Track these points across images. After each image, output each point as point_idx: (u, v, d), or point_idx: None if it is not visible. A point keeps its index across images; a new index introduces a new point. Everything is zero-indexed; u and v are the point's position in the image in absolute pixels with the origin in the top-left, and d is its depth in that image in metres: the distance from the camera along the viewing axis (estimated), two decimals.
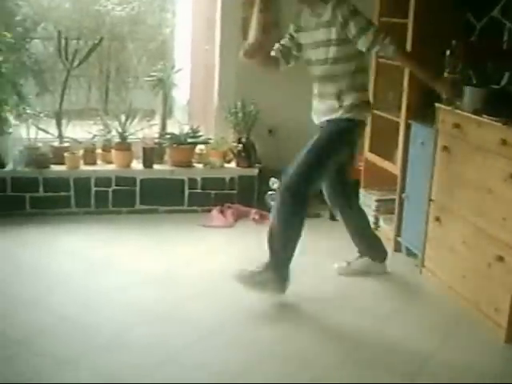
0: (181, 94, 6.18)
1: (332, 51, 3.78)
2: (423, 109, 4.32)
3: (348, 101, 3.82)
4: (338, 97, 3.82)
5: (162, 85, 5.34)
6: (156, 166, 5.21)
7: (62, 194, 5.01)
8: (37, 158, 5.01)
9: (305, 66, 3.96)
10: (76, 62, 5.22)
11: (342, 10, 3.70)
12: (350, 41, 3.72)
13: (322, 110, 3.90)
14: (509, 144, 3.48)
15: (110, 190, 5.09)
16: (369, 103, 4.01)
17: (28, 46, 5.56)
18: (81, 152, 5.15)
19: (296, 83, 4.70)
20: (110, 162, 5.19)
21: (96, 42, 5.37)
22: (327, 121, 3.88)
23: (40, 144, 5.10)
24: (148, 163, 5.16)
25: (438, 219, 4.10)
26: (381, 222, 4.81)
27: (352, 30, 3.68)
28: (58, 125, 5.18)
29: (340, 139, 3.86)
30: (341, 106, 3.82)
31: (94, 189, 5.07)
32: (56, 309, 3.64)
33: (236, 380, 3.06)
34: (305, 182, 3.72)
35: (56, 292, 3.85)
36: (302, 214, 3.75)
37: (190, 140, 5.23)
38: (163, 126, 5.37)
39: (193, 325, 3.54)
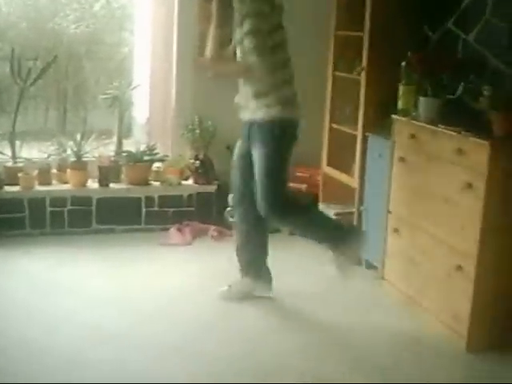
0: (140, 113, 6.13)
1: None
2: (380, 121, 4.31)
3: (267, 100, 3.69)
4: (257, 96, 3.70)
5: (118, 102, 5.26)
6: (112, 185, 5.11)
7: (17, 215, 4.88)
8: None
9: None
10: (30, 81, 5.12)
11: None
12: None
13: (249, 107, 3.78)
14: (464, 153, 3.48)
15: (66, 210, 4.97)
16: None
17: None
18: (35, 172, 5.04)
19: None
20: (65, 182, 5.07)
21: (50, 60, 5.29)
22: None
23: None
24: (104, 182, 5.07)
25: (396, 231, 4.07)
26: None
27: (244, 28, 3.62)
28: (12, 145, 5.08)
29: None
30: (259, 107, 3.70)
31: (49, 209, 4.95)
32: (13, 330, 3.55)
33: None
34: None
35: (13, 314, 3.75)
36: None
37: (146, 158, 5.15)
38: (119, 144, 5.28)
39: (153, 342, 3.47)
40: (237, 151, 3.94)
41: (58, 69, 6.20)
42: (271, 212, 3.74)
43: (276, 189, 3.72)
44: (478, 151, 3.38)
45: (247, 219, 3.92)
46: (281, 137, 3.69)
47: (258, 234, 3.97)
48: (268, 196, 3.69)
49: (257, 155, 3.73)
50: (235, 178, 3.96)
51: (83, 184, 5.06)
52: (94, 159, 5.15)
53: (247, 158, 3.81)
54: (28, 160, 5.09)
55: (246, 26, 3.60)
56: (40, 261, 4.50)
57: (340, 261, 3.82)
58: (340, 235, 3.83)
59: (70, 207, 4.98)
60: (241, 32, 3.65)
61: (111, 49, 6.78)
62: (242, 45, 3.67)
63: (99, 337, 3.51)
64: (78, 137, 5.10)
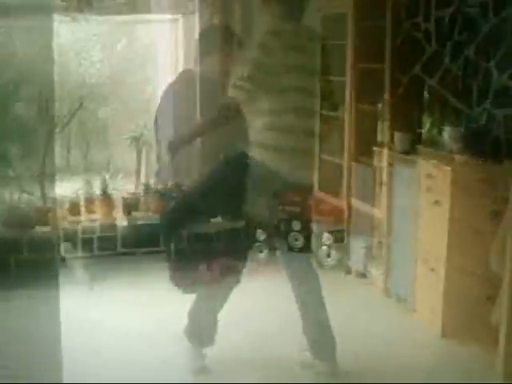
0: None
1: None
2: (407, 151, 4.33)
3: None
4: None
5: (141, 141, 5.41)
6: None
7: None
8: (20, 219, 4.96)
9: None
10: (58, 126, 5.27)
11: None
12: None
13: None
14: (489, 182, 3.50)
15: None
16: None
17: (11, 109, 5.57)
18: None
19: None
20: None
21: (77, 106, 5.46)
22: None
23: (23, 205, 5.06)
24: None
25: (426, 262, 4.07)
26: (369, 269, 4.76)
27: None
28: (41, 185, 5.17)
29: None
30: None
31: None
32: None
33: None
34: None
35: (52, 357, 3.66)
36: None
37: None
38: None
39: None
40: None
41: (83, 109, 6.31)
42: None
43: None
44: None
45: None
46: None
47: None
48: None
49: None
50: None
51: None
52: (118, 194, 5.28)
53: None
54: (57, 199, 5.18)
55: None
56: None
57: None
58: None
59: None
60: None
61: (135, 88, 6.90)
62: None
63: None
64: (105, 175, 5.22)
